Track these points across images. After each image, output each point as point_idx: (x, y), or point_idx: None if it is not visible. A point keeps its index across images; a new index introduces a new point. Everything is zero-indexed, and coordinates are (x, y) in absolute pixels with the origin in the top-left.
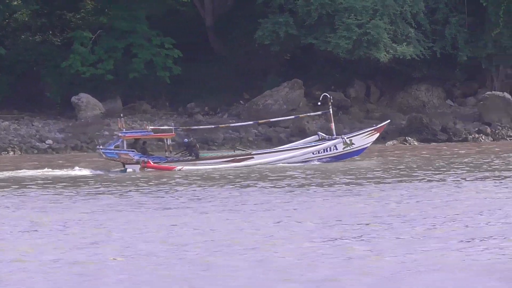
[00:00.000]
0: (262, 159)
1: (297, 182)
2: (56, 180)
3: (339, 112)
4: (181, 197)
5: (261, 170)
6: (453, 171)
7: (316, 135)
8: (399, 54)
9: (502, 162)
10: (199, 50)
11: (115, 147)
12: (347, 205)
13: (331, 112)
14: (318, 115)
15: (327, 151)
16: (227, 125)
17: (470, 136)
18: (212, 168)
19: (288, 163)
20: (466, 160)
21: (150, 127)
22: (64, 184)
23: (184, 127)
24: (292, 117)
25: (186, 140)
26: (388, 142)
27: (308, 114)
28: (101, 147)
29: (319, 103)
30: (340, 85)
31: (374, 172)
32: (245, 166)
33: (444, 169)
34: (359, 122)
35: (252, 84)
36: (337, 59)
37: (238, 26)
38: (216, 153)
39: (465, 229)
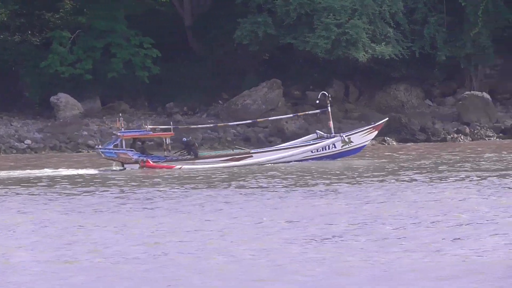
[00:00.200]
0: (261, 157)
1: (271, 182)
2: (29, 181)
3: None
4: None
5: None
6: (429, 171)
7: (315, 134)
8: (377, 54)
9: (478, 161)
10: (178, 50)
11: (114, 146)
12: (317, 205)
13: (330, 110)
14: (317, 113)
15: (325, 149)
16: (225, 124)
17: (449, 136)
18: (211, 167)
19: (287, 161)
20: (443, 160)
21: (149, 126)
22: (44, 184)
23: (182, 127)
24: (291, 115)
25: (184, 139)
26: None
27: (307, 112)
28: (100, 146)
29: (317, 101)
30: (318, 85)
31: (349, 173)
32: (244, 165)
33: (420, 169)
34: (337, 122)
35: (231, 84)
36: (315, 59)
37: (217, 26)
38: (215, 152)
39: (439, 230)
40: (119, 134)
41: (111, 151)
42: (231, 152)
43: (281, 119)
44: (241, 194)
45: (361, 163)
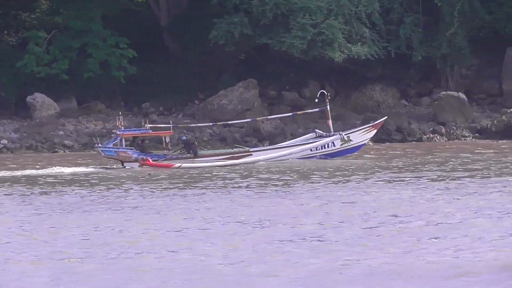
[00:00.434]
0: (260, 156)
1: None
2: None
3: (294, 112)
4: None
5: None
6: (400, 171)
7: (313, 133)
8: (353, 54)
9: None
10: (154, 50)
11: (113, 145)
12: (281, 205)
13: (328, 108)
14: (315, 112)
15: (325, 147)
16: (224, 122)
17: (425, 136)
18: (210, 165)
19: (287, 160)
20: (414, 161)
21: (148, 125)
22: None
23: (181, 125)
24: (290, 114)
25: (184, 137)
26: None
27: (305, 111)
28: (99, 145)
29: (316, 100)
30: (294, 85)
31: (319, 173)
32: (243, 163)
33: (389, 169)
34: (313, 122)
35: (207, 84)
36: (291, 59)
37: (193, 26)
38: (215, 150)
39: (403, 231)
40: (118, 132)
41: (111, 149)
42: (230, 150)
43: (279, 117)
44: (211, 193)
45: (340, 163)
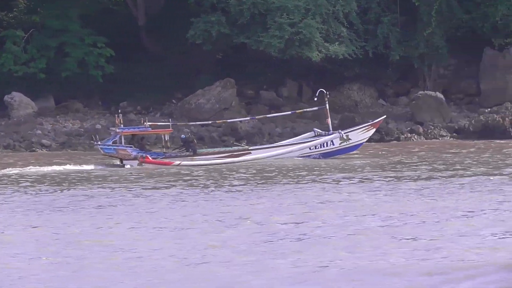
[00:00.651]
0: (259, 154)
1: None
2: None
3: (272, 111)
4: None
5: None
6: (370, 171)
7: (312, 132)
8: (331, 53)
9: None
10: (132, 49)
11: (113, 143)
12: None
13: (327, 107)
14: (314, 110)
15: (324, 146)
16: (224, 120)
17: (403, 136)
18: (209, 164)
19: (286, 158)
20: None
21: (147, 123)
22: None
23: (180, 123)
24: (289, 112)
25: (183, 136)
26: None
27: (305, 109)
28: (99, 142)
29: (315, 99)
30: (272, 84)
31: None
32: (243, 161)
33: (359, 169)
34: (291, 122)
35: (184, 84)
36: (269, 58)
37: (171, 25)
38: (214, 149)
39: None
40: (118, 130)
41: (110, 147)
42: (229, 148)
43: (278, 116)
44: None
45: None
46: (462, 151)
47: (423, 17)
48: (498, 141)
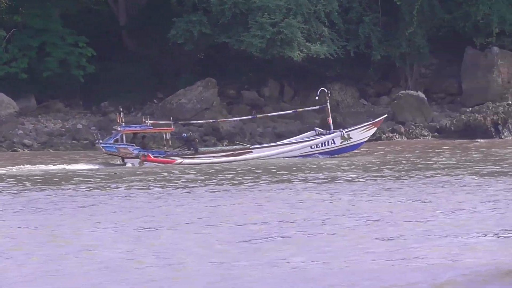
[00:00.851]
0: (260, 153)
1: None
2: None
3: (253, 111)
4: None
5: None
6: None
7: (313, 131)
8: (312, 53)
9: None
10: (113, 49)
11: (114, 141)
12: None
13: (329, 106)
14: (316, 109)
15: (325, 145)
16: (225, 119)
17: (384, 135)
18: (211, 162)
19: (287, 157)
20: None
21: (149, 121)
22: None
23: (182, 122)
24: (291, 111)
25: (184, 134)
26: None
27: (306, 108)
28: (100, 141)
29: (316, 98)
30: (254, 84)
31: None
32: (244, 160)
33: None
34: (272, 122)
35: (166, 83)
36: (251, 58)
37: (152, 25)
38: (215, 147)
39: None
40: (119, 128)
41: (112, 145)
42: (231, 147)
43: (279, 115)
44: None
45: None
46: (444, 150)
47: (405, 16)
48: (480, 140)
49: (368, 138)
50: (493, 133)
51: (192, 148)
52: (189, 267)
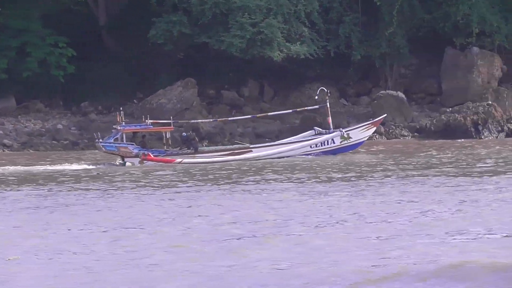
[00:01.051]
0: (260, 152)
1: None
2: None
3: (233, 111)
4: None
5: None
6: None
7: (313, 130)
8: (292, 53)
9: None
10: (93, 49)
11: (114, 140)
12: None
13: (328, 106)
14: (316, 109)
15: (324, 144)
16: (225, 118)
17: None
18: (211, 161)
19: (286, 156)
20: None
21: (149, 120)
22: None
23: (182, 121)
24: (290, 111)
25: (184, 134)
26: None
27: (306, 108)
28: (100, 140)
29: (315, 97)
30: (234, 84)
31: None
32: (244, 159)
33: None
34: (252, 122)
35: (146, 84)
36: (231, 58)
37: (132, 25)
38: (215, 146)
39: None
40: (119, 128)
41: (112, 145)
42: (230, 146)
43: (279, 114)
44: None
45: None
46: (423, 151)
47: (385, 16)
48: (459, 140)
49: (367, 137)
50: (473, 133)
51: (191, 147)
52: (166, 267)
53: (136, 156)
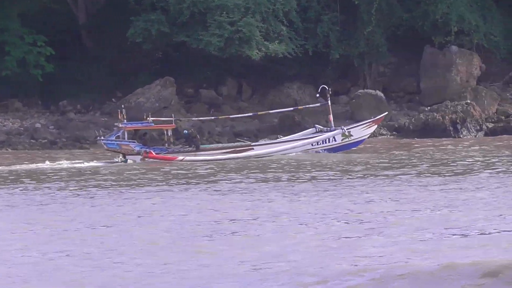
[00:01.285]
0: (261, 150)
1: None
2: None
3: (211, 109)
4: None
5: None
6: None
7: (314, 128)
8: (271, 52)
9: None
10: (72, 48)
11: (116, 138)
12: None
13: (330, 104)
14: (317, 106)
15: (326, 142)
16: (226, 116)
17: None
18: (212, 159)
19: (288, 154)
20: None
21: (150, 118)
22: None
23: (183, 118)
24: (291, 108)
25: (186, 131)
26: (261, 141)
27: (307, 106)
28: (102, 138)
29: (317, 95)
30: (212, 83)
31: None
32: (245, 157)
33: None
34: (231, 121)
35: (124, 82)
36: (209, 56)
37: (111, 24)
38: (217, 144)
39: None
40: (121, 125)
41: (114, 142)
42: (232, 144)
43: (280, 112)
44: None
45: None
46: (401, 149)
47: (363, 15)
48: (438, 139)
49: (368, 135)
50: (452, 132)
51: (193, 145)
52: (140, 267)
53: (138, 153)
